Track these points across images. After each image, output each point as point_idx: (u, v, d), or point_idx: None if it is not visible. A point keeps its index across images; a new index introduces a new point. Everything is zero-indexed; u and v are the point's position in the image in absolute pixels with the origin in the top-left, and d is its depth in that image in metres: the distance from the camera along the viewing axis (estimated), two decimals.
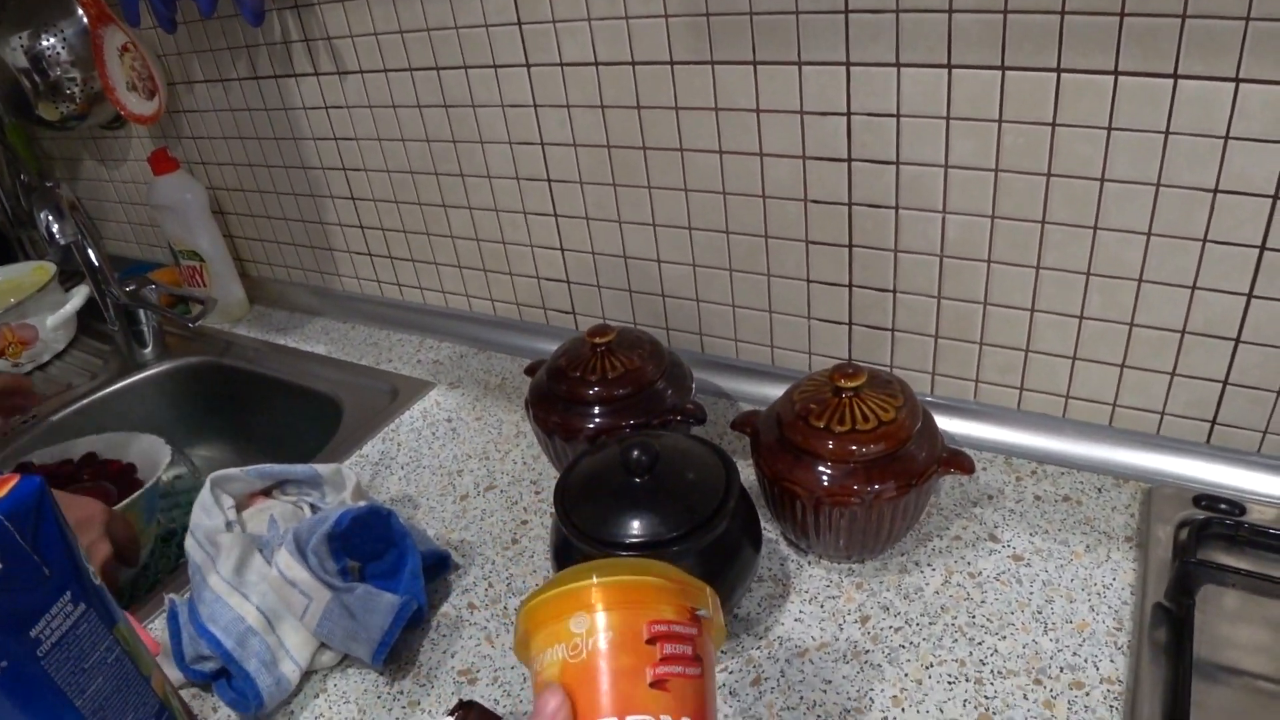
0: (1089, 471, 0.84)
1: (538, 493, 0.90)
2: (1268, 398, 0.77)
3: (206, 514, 0.78)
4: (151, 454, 0.99)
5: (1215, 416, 0.80)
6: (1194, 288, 0.75)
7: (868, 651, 0.69)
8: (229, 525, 0.77)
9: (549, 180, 1.02)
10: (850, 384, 0.72)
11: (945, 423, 0.90)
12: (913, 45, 0.75)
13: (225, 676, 0.71)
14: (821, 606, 0.74)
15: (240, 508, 0.82)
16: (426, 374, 1.15)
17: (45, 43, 1.35)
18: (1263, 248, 0.71)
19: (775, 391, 0.95)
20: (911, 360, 0.91)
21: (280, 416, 1.22)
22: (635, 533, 0.65)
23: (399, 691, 0.71)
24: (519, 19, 0.92)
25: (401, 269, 1.25)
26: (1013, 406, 0.89)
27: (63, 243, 1.14)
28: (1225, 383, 0.78)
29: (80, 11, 1.32)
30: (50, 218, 1.12)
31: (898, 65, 0.77)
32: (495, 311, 1.19)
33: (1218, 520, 0.75)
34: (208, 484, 0.80)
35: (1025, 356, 0.86)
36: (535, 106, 0.97)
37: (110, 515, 0.81)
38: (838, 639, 0.71)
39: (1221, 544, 0.74)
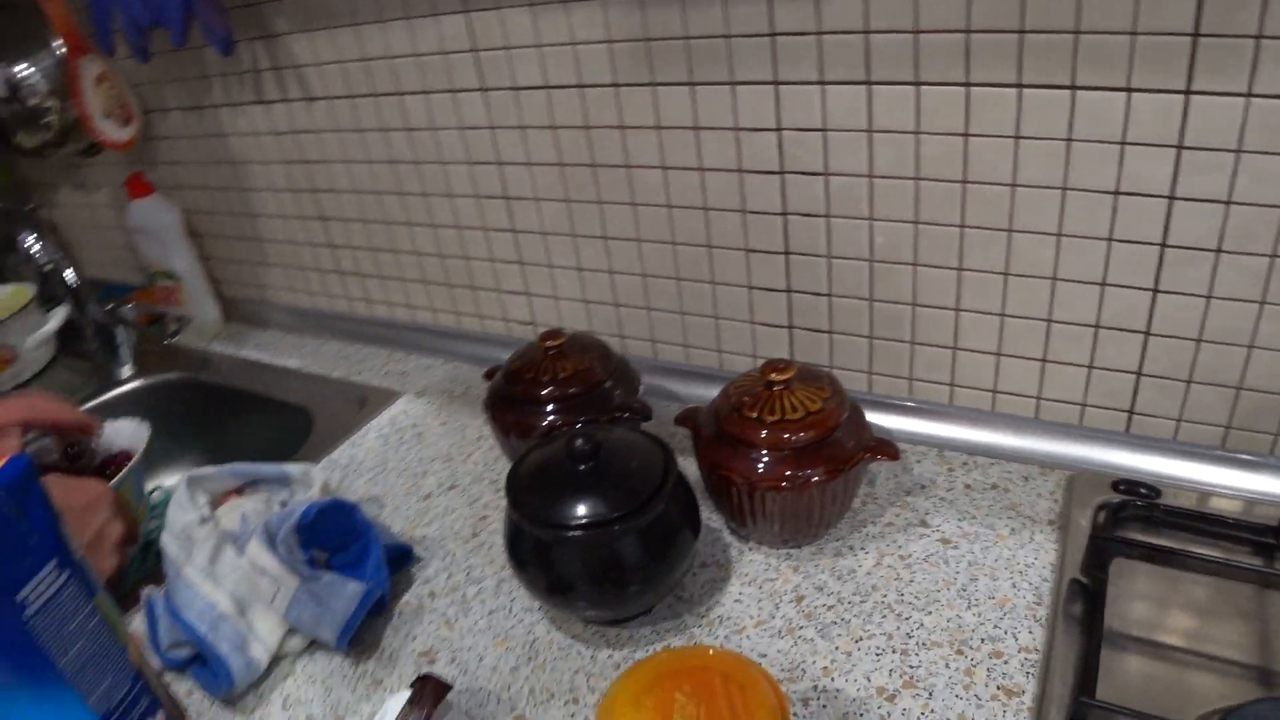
0: (1017, 462, 0.89)
1: (497, 490, 0.95)
2: (1178, 387, 0.83)
3: (182, 510, 0.82)
4: (131, 434, 1.02)
5: (1132, 406, 0.86)
6: (1104, 284, 0.81)
7: (801, 628, 0.74)
8: (203, 521, 0.82)
9: (506, 198, 1.07)
10: (780, 377, 0.78)
11: (882, 419, 0.95)
12: (834, 64, 0.81)
13: (199, 662, 0.76)
14: (760, 588, 0.78)
15: (214, 505, 0.86)
16: (394, 384, 1.20)
17: (22, 72, 1.39)
18: (1163, 245, 0.77)
19: None
20: (849, 360, 0.97)
21: (254, 429, 1.27)
22: (580, 515, 0.69)
23: (363, 672, 0.76)
24: (474, 46, 0.98)
25: (369, 285, 1.30)
26: (944, 402, 0.94)
27: (42, 263, 1.19)
28: (1139, 374, 0.84)
29: (57, 43, 1.37)
30: (30, 240, 1.16)
31: (822, 83, 0.82)
32: (460, 324, 1.24)
33: (1132, 503, 0.80)
34: (184, 481, 0.84)
35: (953, 354, 0.91)
36: (492, 128, 1.03)
37: (116, 495, 0.84)
38: (774, 617, 0.75)
39: (1138, 525, 0.79)
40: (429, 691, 0.65)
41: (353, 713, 0.72)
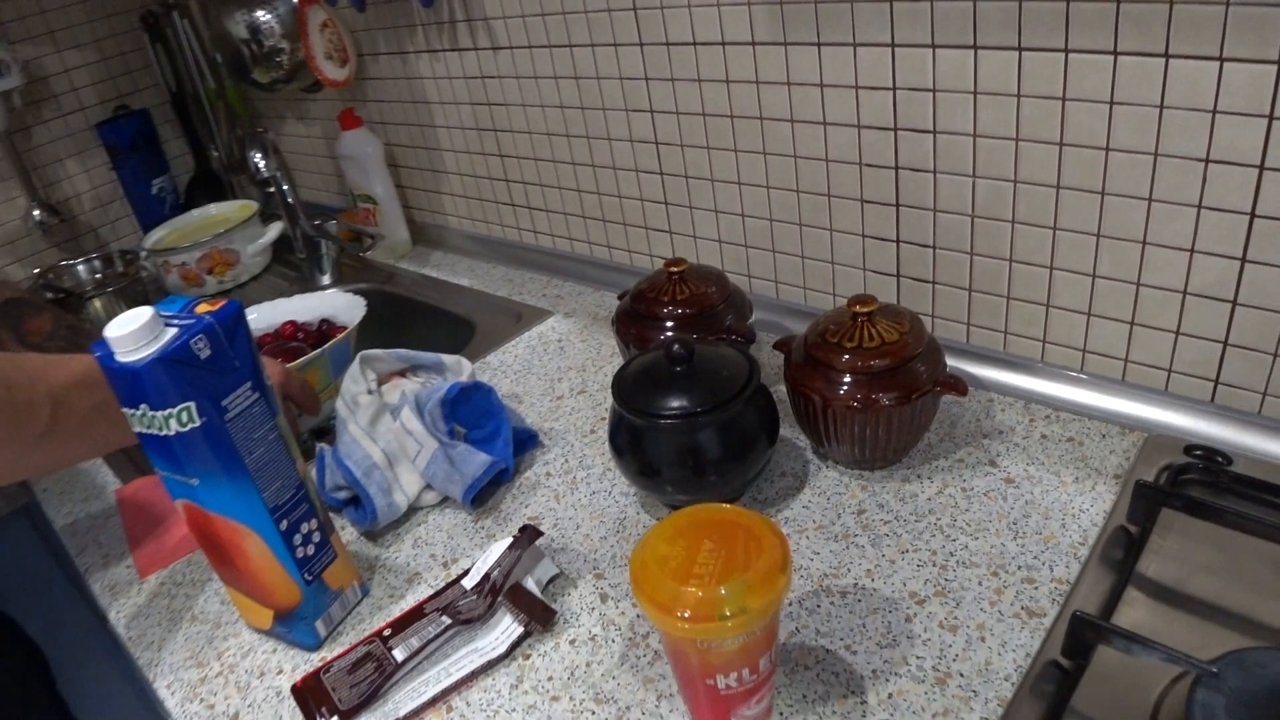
0: (1099, 420, 0.93)
1: None
2: (1265, 359, 0.84)
3: (354, 382, 0.99)
4: (344, 308, 1.18)
5: (1218, 376, 0.88)
6: (1192, 250, 0.84)
7: (856, 535, 0.83)
8: (369, 392, 0.98)
9: (656, 143, 1.19)
10: (864, 309, 0.86)
11: (977, 369, 1.01)
12: (944, 29, 0.88)
13: (353, 505, 0.92)
14: (828, 499, 0.88)
15: (380, 383, 1.02)
16: (548, 305, 1.35)
17: (262, 17, 1.61)
18: (1252, 215, 0.79)
19: None
20: (950, 311, 1.03)
21: (426, 333, 1.45)
22: (670, 407, 0.81)
23: (480, 527, 0.91)
24: (634, 5, 1.10)
25: (537, 217, 1.45)
26: (1035, 358, 0.99)
27: (266, 175, 1.39)
28: (1225, 343, 0.86)
29: None
30: (258, 155, 1.37)
31: (933, 46, 0.89)
32: (610, 257, 1.38)
33: (1196, 465, 0.83)
34: (358, 359, 1.01)
35: (1046, 311, 0.96)
36: (646, 79, 1.14)
37: (287, 376, 0.97)
38: (834, 524, 0.84)
39: (1203, 488, 0.81)
40: (526, 535, 0.79)
41: (466, 555, 0.87)
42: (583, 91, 1.23)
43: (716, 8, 1.03)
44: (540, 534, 0.80)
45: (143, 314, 0.65)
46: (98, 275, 1.74)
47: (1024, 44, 0.84)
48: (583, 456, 0.99)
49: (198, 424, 0.67)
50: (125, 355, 0.64)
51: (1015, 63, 0.85)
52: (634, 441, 0.84)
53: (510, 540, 0.80)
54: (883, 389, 0.84)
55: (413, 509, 0.93)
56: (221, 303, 0.70)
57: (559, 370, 1.17)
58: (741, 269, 1.20)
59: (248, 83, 1.73)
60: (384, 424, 0.94)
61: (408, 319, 1.48)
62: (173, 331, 0.66)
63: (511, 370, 1.19)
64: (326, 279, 1.59)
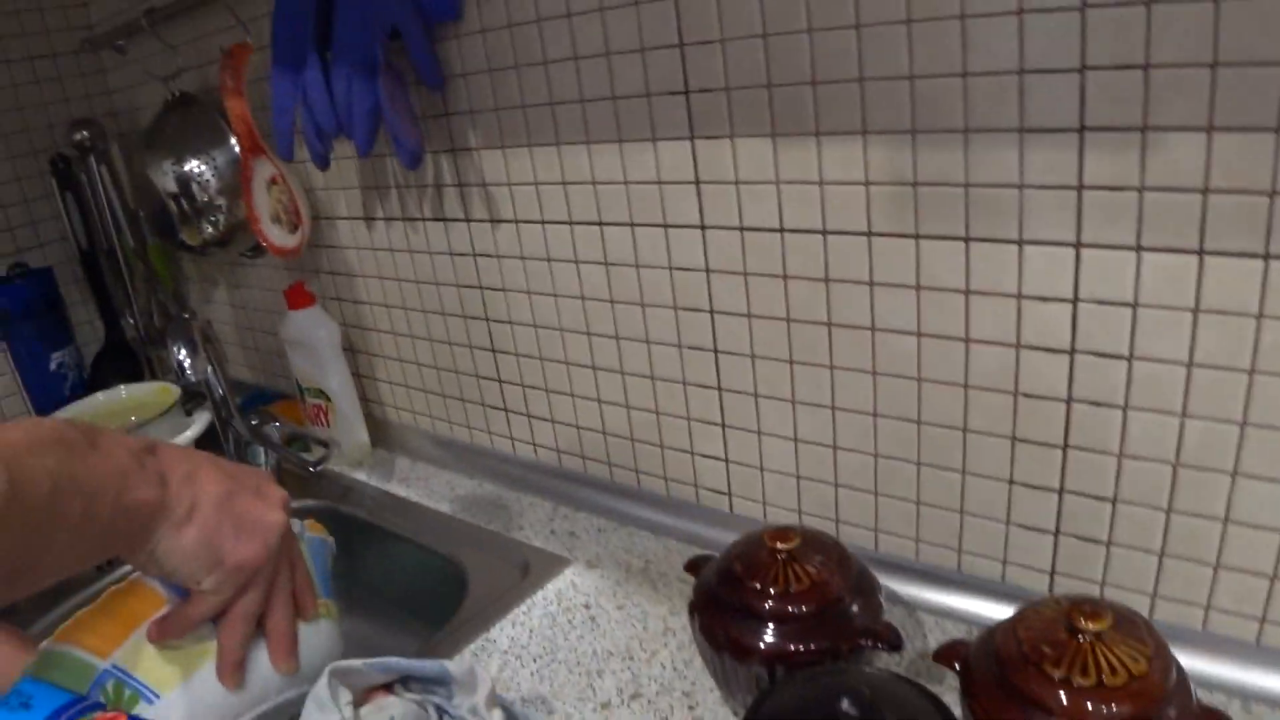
0: None
1: (691, 708, 0.78)
2: None
3: (320, 710, 0.68)
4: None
5: None
6: None
7: None
8: None
9: (715, 351, 0.92)
10: (1093, 626, 0.60)
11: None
12: (1157, 226, 0.65)
13: None
14: None
15: (357, 703, 0.72)
16: (561, 548, 1.04)
17: (195, 169, 1.34)
18: None
19: (961, 602, 0.84)
20: (1127, 579, 0.78)
21: (399, 574, 1.14)
22: None
23: None
24: (697, 177, 0.86)
25: (539, 428, 1.16)
26: (1251, 641, 0.75)
27: (193, 379, 1.10)
28: None
29: (233, 141, 1.32)
30: (183, 351, 1.07)
31: (1138, 249, 0.67)
32: (639, 484, 1.08)
33: None
34: (325, 675, 0.70)
35: (1271, 584, 0.72)
36: (708, 271, 0.89)
37: (290, 539, 0.77)
38: None
39: None
40: None
41: None
42: (614, 281, 0.98)
43: (818, 186, 0.79)
44: None
45: None
46: None
47: (1273, 251, 0.62)
48: None
49: None
50: None
51: (1259, 274, 0.63)
52: None
53: None
54: None
55: None
56: None
57: (596, 658, 0.86)
58: (827, 511, 0.92)
59: (174, 244, 1.45)
60: None
61: (373, 551, 1.17)
62: None
63: (529, 655, 0.88)
64: None
